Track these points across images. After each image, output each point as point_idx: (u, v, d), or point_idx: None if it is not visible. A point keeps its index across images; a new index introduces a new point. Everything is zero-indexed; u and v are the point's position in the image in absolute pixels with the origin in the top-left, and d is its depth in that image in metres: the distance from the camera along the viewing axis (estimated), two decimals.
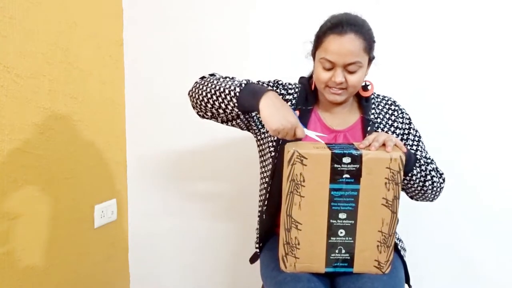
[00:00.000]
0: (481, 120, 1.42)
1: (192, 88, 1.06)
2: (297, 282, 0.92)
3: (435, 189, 1.09)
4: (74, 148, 1.41)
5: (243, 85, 0.95)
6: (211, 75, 1.08)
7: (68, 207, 1.40)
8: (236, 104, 0.95)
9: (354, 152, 0.87)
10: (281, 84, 1.13)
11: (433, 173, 1.07)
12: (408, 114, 1.15)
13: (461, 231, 1.47)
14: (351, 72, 0.99)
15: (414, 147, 1.12)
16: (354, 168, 0.87)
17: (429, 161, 1.10)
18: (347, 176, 0.88)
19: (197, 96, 1.04)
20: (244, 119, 1.09)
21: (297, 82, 1.17)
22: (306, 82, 1.14)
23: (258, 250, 1.16)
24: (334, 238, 0.92)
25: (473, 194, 1.45)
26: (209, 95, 1.00)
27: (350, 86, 1.01)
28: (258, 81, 1.13)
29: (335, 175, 0.88)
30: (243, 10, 1.53)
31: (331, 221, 0.91)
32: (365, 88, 1.10)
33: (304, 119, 1.07)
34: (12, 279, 1.20)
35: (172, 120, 1.64)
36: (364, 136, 1.08)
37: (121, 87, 1.66)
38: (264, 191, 1.14)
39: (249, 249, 1.30)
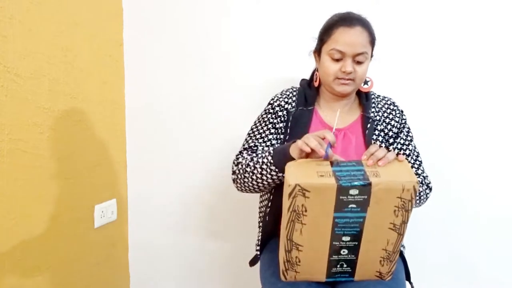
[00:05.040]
0: (481, 119, 1.41)
1: (237, 186, 1.11)
2: None
3: (421, 201, 1.12)
4: (74, 148, 1.41)
5: (271, 151, 0.99)
6: (237, 164, 1.10)
7: (68, 207, 1.40)
8: (277, 170, 0.98)
9: (362, 183, 0.80)
10: (274, 100, 1.14)
11: (420, 189, 1.09)
12: (405, 116, 1.16)
13: (461, 229, 1.47)
14: (359, 63, 1.03)
15: (405, 147, 1.13)
16: (362, 199, 0.81)
17: (419, 172, 1.12)
18: (353, 206, 0.82)
19: (247, 189, 1.09)
20: None
21: (294, 85, 1.19)
22: (306, 84, 1.16)
23: (258, 253, 1.15)
24: (336, 256, 0.89)
25: (472, 192, 1.44)
26: (255, 183, 1.04)
27: (357, 77, 1.04)
28: (260, 118, 1.15)
29: (340, 205, 0.82)
30: (243, 10, 1.53)
31: (333, 243, 0.87)
32: (365, 83, 1.12)
33: (306, 119, 1.09)
34: (12, 279, 1.20)
35: (172, 120, 1.64)
36: (364, 134, 1.08)
37: (121, 87, 1.66)
38: (267, 195, 1.14)
39: (249, 249, 1.30)
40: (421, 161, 1.16)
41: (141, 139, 1.68)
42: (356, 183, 0.79)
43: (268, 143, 1.10)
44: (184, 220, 1.69)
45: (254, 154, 1.07)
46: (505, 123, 1.40)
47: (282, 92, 1.15)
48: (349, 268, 0.91)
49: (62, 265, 1.38)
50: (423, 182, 1.11)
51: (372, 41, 1.05)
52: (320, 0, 1.44)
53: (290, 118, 1.09)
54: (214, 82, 1.59)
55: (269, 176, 1.00)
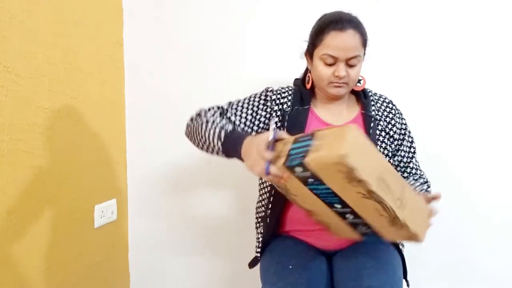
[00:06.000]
0: (481, 119, 1.42)
1: (186, 132, 1.11)
2: None
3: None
4: (74, 148, 1.41)
5: (222, 138, 0.97)
6: (198, 115, 1.09)
7: (68, 207, 1.40)
8: (224, 155, 1.00)
9: (298, 162, 0.80)
10: (271, 90, 1.12)
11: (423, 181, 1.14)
12: (404, 116, 1.17)
13: (461, 228, 1.47)
14: (351, 66, 1.03)
15: (407, 148, 1.16)
16: (310, 174, 0.81)
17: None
18: (311, 180, 0.83)
19: (192, 142, 1.10)
20: None
21: (290, 84, 1.18)
22: (300, 83, 1.16)
23: (258, 255, 1.15)
24: (348, 220, 0.92)
25: (473, 191, 1.45)
26: (200, 144, 1.05)
27: (351, 80, 1.04)
28: (251, 96, 1.13)
29: (303, 180, 0.84)
30: (243, 10, 1.53)
31: (333, 209, 0.90)
32: (357, 81, 1.12)
33: (302, 118, 1.09)
34: (12, 279, 1.20)
35: (172, 120, 1.63)
36: (367, 132, 1.08)
37: (121, 87, 1.66)
38: (267, 194, 1.13)
39: (250, 249, 1.31)
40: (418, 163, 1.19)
41: (141, 139, 1.68)
42: (295, 162, 0.81)
43: (238, 121, 1.09)
44: (184, 220, 1.69)
45: (218, 119, 1.05)
46: (502, 125, 1.40)
47: (278, 88, 1.14)
48: (370, 230, 0.92)
49: (62, 265, 1.38)
50: (426, 180, 1.16)
51: (364, 42, 1.04)
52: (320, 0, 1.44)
53: (287, 118, 1.08)
54: (214, 82, 1.59)
55: (214, 149, 1.01)
